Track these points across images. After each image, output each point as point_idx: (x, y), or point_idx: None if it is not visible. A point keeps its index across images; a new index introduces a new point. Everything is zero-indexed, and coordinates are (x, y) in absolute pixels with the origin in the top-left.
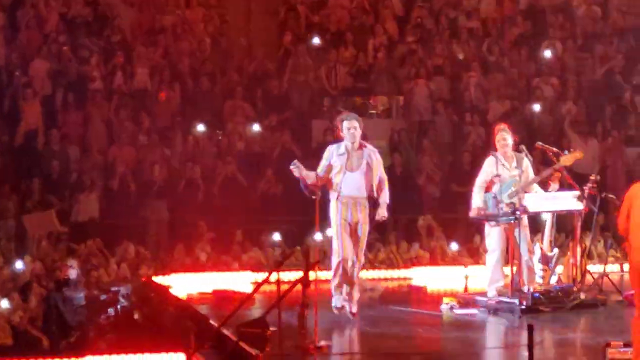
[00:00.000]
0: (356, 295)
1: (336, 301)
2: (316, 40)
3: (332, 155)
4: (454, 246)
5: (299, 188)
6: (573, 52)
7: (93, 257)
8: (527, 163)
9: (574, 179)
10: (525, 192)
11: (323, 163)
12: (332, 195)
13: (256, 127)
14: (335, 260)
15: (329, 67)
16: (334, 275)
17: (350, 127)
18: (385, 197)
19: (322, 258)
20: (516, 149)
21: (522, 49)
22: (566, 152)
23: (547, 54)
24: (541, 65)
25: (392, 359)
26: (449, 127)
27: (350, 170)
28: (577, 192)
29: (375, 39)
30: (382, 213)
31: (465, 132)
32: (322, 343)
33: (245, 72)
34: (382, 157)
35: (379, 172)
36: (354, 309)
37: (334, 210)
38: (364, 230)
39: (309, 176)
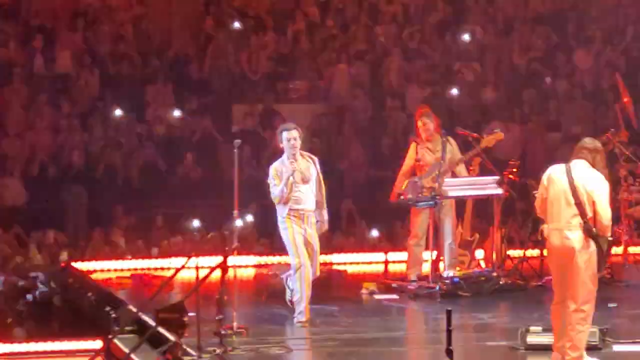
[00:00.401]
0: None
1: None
2: (237, 25)
3: (281, 172)
4: (374, 232)
5: (218, 172)
6: (494, 37)
7: (11, 242)
8: (451, 147)
9: (494, 164)
10: (454, 173)
11: (277, 183)
12: (281, 211)
13: (177, 112)
14: (293, 262)
15: (249, 51)
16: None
17: (289, 137)
18: (325, 215)
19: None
20: (440, 132)
21: (443, 34)
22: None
23: (466, 37)
24: (462, 50)
25: (310, 343)
26: (369, 112)
27: (301, 183)
28: (497, 178)
29: (295, 23)
30: (324, 228)
31: (385, 117)
32: (240, 327)
33: (166, 56)
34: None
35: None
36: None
37: (288, 225)
38: (317, 244)
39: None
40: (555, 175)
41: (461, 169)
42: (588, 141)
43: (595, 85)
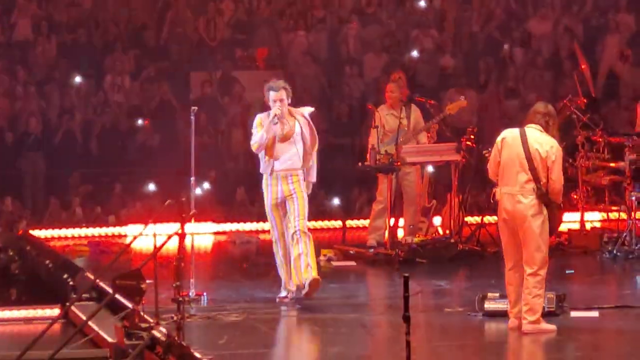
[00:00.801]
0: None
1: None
2: None
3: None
4: (335, 201)
5: (176, 139)
6: (452, 3)
7: None
8: (416, 114)
9: (451, 131)
10: (417, 141)
11: (259, 130)
12: (263, 169)
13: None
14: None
15: (207, 18)
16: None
17: (276, 99)
18: (312, 173)
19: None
20: (406, 99)
21: (401, 1)
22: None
23: (423, 4)
24: (420, 17)
25: (268, 308)
26: (327, 79)
27: (282, 141)
28: (455, 144)
29: None
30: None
31: (343, 84)
32: (197, 294)
33: (123, 24)
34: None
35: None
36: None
37: (264, 189)
38: (299, 198)
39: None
40: (509, 139)
41: (422, 137)
42: (541, 106)
43: (554, 53)
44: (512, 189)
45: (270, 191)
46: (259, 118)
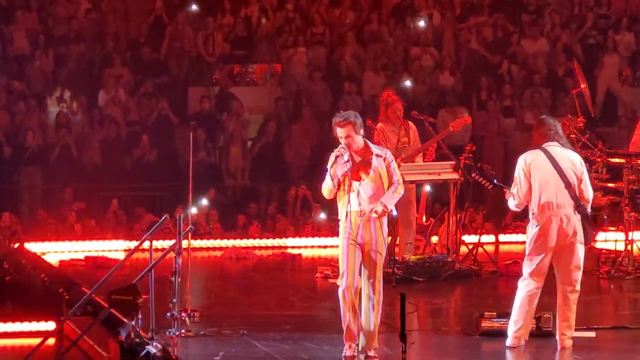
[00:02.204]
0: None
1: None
2: (194, 7)
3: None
4: (322, 215)
5: (173, 155)
6: (451, 22)
7: None
8: (414, 131)
9: (449, 149)
10: (412, 160)
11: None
12: (340, 212)
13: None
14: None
15: (206, 34)
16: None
17: (341, 135)
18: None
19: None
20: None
21: (400, 19)
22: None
23: (422, 23)
24: (419, 35)
25: (264, 325)
26: (326, 96)
27: (357, 180)
28: (453, 162)
29: (252, 6)
30: (375, 207)
31: (343, 102)
32: (193, 310)
33: (122, 38)
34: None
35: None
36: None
37: (340, 232)
38: (376, 253)
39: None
40: (537, 162)
41: (419, 159)
42: (552, 121)
43: (553, 71)
44: (554, 210)
45: (345, 243)
46: (333, 155)
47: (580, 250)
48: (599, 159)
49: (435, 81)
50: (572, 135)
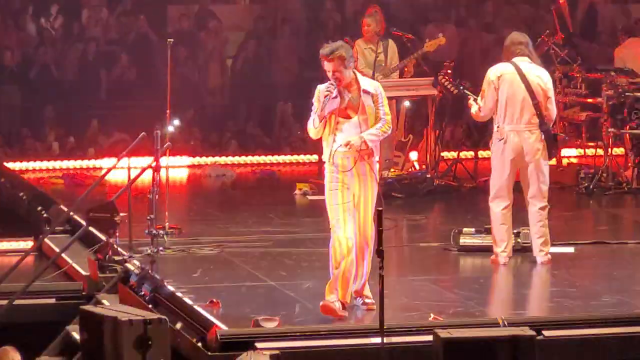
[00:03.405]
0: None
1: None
2: None
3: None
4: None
5: (154, 73)
6: None
7: None
8: (394, 49)
9: (431, 66)
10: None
11: (317, 105)
12: (324, 155)
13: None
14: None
15: None
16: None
17: (328, 69)
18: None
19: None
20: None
21: None
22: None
23: None
24: None
25: (243, 242)
26: (307, 13)
27: (345, 118)
28: (431, 78)
29: None
30: (353, 141)
31: (324, 19)
32: (172, 227)
33: None
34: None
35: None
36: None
37: (326, 176)
38: (366, 203)
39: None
40: (506, 75)
41: (394, 75)
42: (519, 35)
43: None
44: (519, 126)
45: (332, 186)
46: (317, 90)
47: (545, 166)
48: (577, 75)
49: None
50: (550, 51)
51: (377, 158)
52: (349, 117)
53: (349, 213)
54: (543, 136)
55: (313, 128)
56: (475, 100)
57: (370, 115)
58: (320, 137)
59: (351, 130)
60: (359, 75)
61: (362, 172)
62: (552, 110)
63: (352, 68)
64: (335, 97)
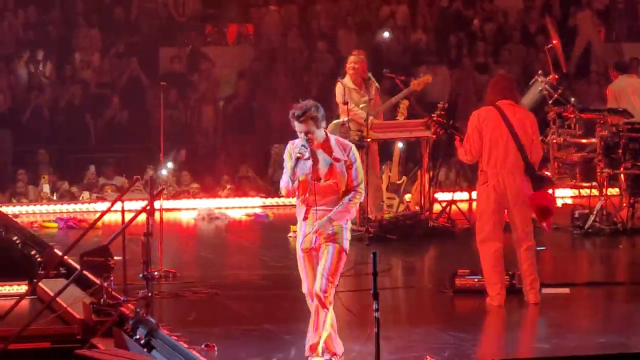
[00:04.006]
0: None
1: None
2: None
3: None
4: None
5: (145, 116)
6: None
7: None
8: (374, 90)
9: (425, 108)
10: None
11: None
12: (298, 211)
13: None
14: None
15: None
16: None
17: (300, 130)
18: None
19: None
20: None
21: None
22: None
23: None
24: None
25: (237, 285)
26: (299, 55)
27: (317, 179)
28: (425, 120)
29: None
30: (321, 227)
31: (316, 60)
32: (167, 271)
33: None
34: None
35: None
36: None
37: (297, 235)
38: (326, 257)
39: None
40: (490, 119)
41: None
42: (504, 79)
43: (525, 28)
44: (503, 169)
45: (299, 244)
46: (287, 150)
47: (529, 208)
48: (571, 115)
49: (408, 39)
50: (544, 92)
51: (347, 225)
52: (321, 179)
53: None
54: (529, 179)
55: (286, 189)
56: (461, 140)
57: (341, 181)
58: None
59: (322, 192)
60: (331, 137)
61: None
62: (537, 152)
63: (323, 127)
64: (308, 158)
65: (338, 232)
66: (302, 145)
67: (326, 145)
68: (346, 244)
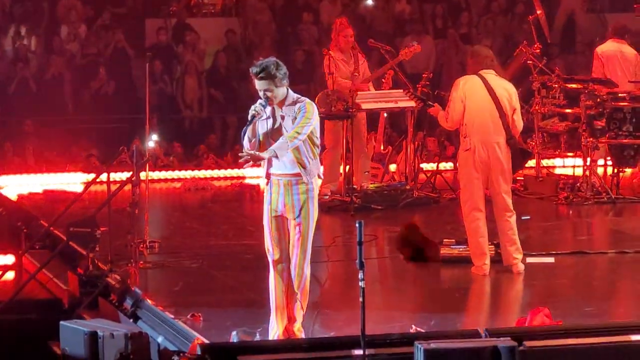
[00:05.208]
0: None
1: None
2: None
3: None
4: None
5: (131, 87)
6: None
7: None
8: (364, 65)
9: (409, 78)
10: (361, 89)
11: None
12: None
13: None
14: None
15: None
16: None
17: (259, 88)
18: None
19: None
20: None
21: None
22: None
23: None
24: None
25: (223, 255)
26: (283, 26)
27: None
28: (410, 90)
29: None
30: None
31: (299, 31)
32: (152, 242)
33: None
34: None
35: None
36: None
37: (264, 199)
38: (297, 229)
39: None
40: (473, 88)
41: (370, 87)
42: (485, 50)
43: None
44: (487, 138)
45: (266, 209)
46: (252, 109)
47: (510, 177)
48: (555, 85)
49: (392, 9)
50: (528, 62)
51: (314, 181)
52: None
53: (284, 240)
54: (510, 149)
55: (245, 148)
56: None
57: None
58: None
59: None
60: (292, 95)
61: (295, 193)
62: (518, 123)
63: (285, 85)
64: (268, 117)
65: (304, 206)
66: (260, 104)
67: (285, 104)
68: (314, 214)
